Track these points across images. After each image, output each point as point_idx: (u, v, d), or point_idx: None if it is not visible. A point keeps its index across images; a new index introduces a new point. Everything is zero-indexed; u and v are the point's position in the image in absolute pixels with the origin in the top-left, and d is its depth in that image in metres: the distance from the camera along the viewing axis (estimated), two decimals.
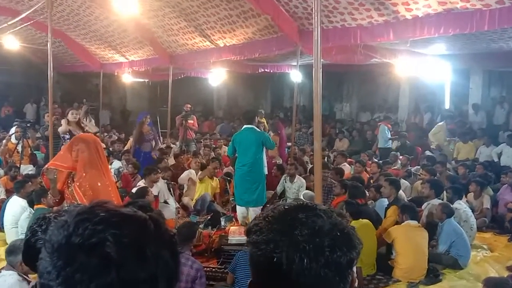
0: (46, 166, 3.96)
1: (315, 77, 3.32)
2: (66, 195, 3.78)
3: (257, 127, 6.47)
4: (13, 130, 9.09)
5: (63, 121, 7.54)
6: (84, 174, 3.58)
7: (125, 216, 0.83)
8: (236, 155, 6.45)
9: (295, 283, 0.95)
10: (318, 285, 0.95)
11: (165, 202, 7.05)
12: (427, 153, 10.61)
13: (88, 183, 3.57)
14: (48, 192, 4.05)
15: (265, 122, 12.76)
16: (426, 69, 9.98)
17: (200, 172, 7.71)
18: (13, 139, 8.98)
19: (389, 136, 11.24)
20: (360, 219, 5.15)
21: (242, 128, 6.50)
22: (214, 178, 7.77)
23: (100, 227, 0.79)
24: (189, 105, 10.76)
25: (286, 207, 1.07)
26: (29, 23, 9.77)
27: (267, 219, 1.04)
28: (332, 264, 0.96)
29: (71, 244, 0.78)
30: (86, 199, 3.56)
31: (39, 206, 5.08)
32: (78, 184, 3.59)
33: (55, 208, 4.32)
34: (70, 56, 14.08)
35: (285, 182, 7.72)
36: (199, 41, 9.81)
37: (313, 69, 3.32)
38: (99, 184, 3.55)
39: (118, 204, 0.90)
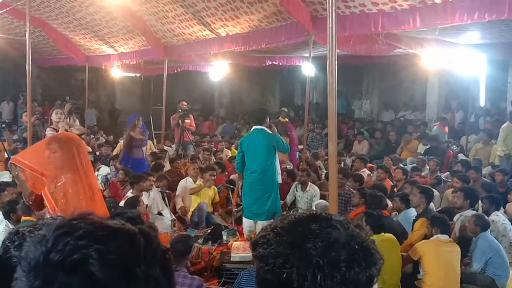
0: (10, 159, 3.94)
1: (330, 70, 3.32)
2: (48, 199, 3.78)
3: (269, 128, 6.40)
4: None
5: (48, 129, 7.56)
6: (55, 179, 3.57)
7: (111, 230, 0.82)
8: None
9: None
10: None
11: (159, 213, 7.07)
12: (460, 156, 10.56)
13: (61, 189, 3.56)
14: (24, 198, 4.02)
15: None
16: (457, 60, 9.93)
17: (193, 186, 7.70)
18: None
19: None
20: (383, 233, 5.12)
21: (251, 130, 6.47)
22: (212, 187, 7.75)
23: (83, 242, 0.78)
24: (185, 103, 10.79)
25: (297, 217, 1.07)
26: (4, 10, 9.84)
27: (275, 230, 1.04)
28: (349, 282, 0.96)
29: (50, 261, 0.77)
30: (58, 208, 3.55)
31: (26, 218, 5.08)
32: (49, 190, 3.59)
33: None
34: (52, 48, 14.16)
35: (296, 190, 7.72)
36: (197, 30, 9.83)
37: (328, 61, 3.32)
38: (70, 191, 3.53)
39: (103, 216, 0.90)
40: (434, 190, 7.56)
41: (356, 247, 1.00)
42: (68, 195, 3.54)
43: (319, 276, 0.95)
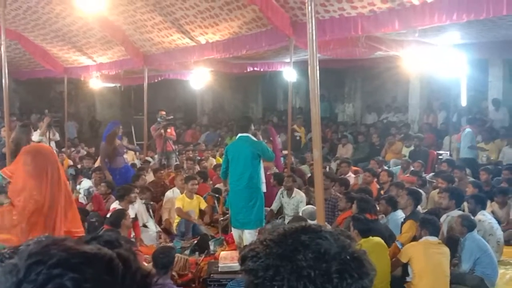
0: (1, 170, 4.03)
1: (312, 75, 3.32)
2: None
3: (254, 135, 6.39)
4: None
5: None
6: (22, 189, 3.64)
7: (87, 256, 0.78)
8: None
9: None
10: None
11: (144, 225, 7.00)
12: (445, 156, 10.66)
13: (25, 195, 3.64)
14: None
15: (302, 131, 12.89)
16: (438, 61, 10.03)
17: (180, 196, 7.63)
18: None
19: (475, 143, 10.82)
20: (371, 237, 5.12)
21: (237, 137, 6.45)
22: (195, 196, 7.65)
23: (57, 271, 0.75)
24: (163, 112, 10.71)
25: (287, 229, 1.06)
26: None
27: (264, 242, 1.02)
28: None
29: None
30: (18, 214, 3.63)
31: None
32: (14, 196, 3.66)
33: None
34: (29, 61, 14.00)
35: (282, 197, 7.70)
36: (177, 38, 9.81)
37: (309, 66, 3.32)
38: (33, 199, 3.62)
39: (78, 241, 0.86)
40: (419, 190, 7.63)
41: (348, 258, 0.99)
42: (30, 201, 3.59)
43: None
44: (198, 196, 7.66)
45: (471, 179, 8.21)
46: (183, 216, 7.23)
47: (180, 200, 7.34)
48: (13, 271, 0.76)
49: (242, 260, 1.04)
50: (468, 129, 10.66)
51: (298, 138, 13.03)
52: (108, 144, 8.50)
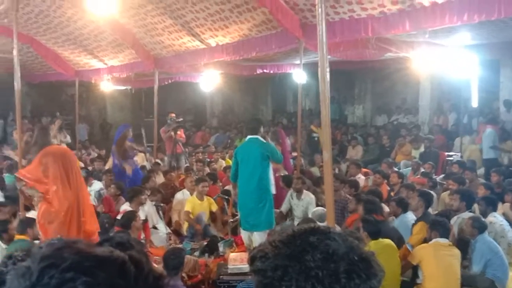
0: (17, 173, 4.01)
1: (322, 77, 3.32)
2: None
3: (263, 137, 6.40)
4: None
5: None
6: (54, 191, 3.62)
7: (99, 259, 0.79)
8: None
9: None
10: None
11: (154, 227, 7.03)
12: (455, 158, 10.59)
13: (52, 196, 3.63)
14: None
15: (320, 132, 12.73)
16: (448, 62, 9.99)
17: (190, 198, 7.64)
18: None
19: (497, 143, 10.53)
20: (380, 239, 5.11)
21: (246, 139, 6.48)
22: (205, 198, 7.66)
23: (70, 275, 0.75)
24: (173, 114, 10.76)
25: (295, 230, 1.07)
26: None
27: (273, 243, 1.04)
28: None
29: None
30: (42, 217, 3.62)
31: (20, 237, 5.04)
32: (44, 203, 3.64)
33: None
34: (41, 64, 14.12)
35: (292, 199, 7.70)
36: (187, 41, 9.84)
37: (319, 68, 3.32)
38: (58, 201, 3.59)
39: (90, 243, 0.86)
40: (431, 192, 7.58)
41: (356, 258, 0.99)
42: (54, 204, 3.59)
43: None
44: (208, 197, 7.66)
45: (482, 180, 8.15)
46: (190, 221, 7.24)
47: (190, 202, 7.34)
48: (26, 275, 0.76)
49: (251, 260, 1.05)
50: (490, 129, 10.48)
51: (316, 139, 12.85)
52: (118, 147, 8.59)
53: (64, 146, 8.43)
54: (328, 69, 3.31)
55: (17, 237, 5.08)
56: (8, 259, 1.45)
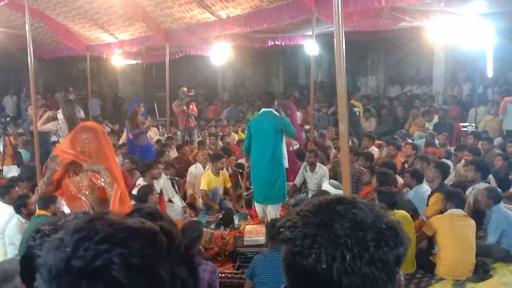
0: (55, 150, 3.81)
1: (337, 48, 3.28)
2: (68, 188, 3.73)
3: (277, 111, 6.39)
4: None
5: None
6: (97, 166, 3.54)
7: (132, 231, 0.79)
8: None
9: (337, 284, 0.95)
10: (364, 285, 0.95)
11: (170, 200, 7.11)
12: (470, 128, 10.50)
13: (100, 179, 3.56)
14: (41, 184, 3.95)
15: (360, 106, 12.66)
16: (463, 32, 9.81)
17: (203, 172, 7.67)
18: None
19: None
20: (396, 210, 5.13)
21: (260, 112, 6.47)
22: (221, 173, 7.63)
23: (104, 247, 0.76)
24: (185, 88, 10.75)
25: (322, 200, 1.08)
26: (3, 3, 9.78)
27: (301, 213, 1.05)
28: (378, 261, 0.97)
29: (72, 269, 0.75)
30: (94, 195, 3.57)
31: (41, 212, 5.12)
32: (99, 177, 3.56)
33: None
34: (52, 39, 14.12)
35: (305, 172, 7.72)
36: (197, 13, 9.76)
37: (335, 39, 3.28)
38: (109, 180, 3.53)
39: (120, 214, 0.87)
40: (448, 161, 7.54)
41: (383, 226, 1.01)
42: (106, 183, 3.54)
43: (348, 256, 0.95)
44: (223, 172, 7.68)
45: (498, 151, 8.07)
46: (207, 201, 7.29)
47: (206, 178, 7.37)
48: (61, 247, 0.77)
49: (279, 230, 1.06)
50: None
51: (357, 113, 12.69)
52: (131, 122, 8.66)
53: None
54: (343, 41, 3.28)
55: (38, 212, 5.17)
56: (36, 233, 1.47)
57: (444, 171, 6.14)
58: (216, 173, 7.45)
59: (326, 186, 6.58)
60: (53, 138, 9.12)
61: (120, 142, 10.18)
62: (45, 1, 11.27)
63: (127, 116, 9.20)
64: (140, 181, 6.71)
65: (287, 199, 7.37)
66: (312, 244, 0.97)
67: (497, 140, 9.48)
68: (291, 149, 7.91)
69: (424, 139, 9.85)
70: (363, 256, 0.95)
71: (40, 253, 1.38)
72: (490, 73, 13.05)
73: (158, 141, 9.97)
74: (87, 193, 3.67)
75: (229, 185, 7.68)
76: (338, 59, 3.27)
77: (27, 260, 1.42)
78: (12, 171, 8.60)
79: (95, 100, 16.76)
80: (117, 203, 3.49)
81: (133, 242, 0.77)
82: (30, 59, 6.50)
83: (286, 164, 6.45)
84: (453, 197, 5.20)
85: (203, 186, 7.30)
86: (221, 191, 7.44)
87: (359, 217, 1.00)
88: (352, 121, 11.67)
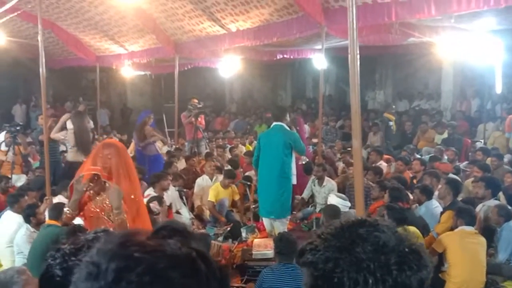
0: (80, 173, 3.78)
1: (352, 63, 3.28)
2: (88, 206, 3.69)
3: (288, 126, 6.34)
4: (1, 136, 9.15)
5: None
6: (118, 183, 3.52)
7: (171, 259, 0.78)
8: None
9: None
10: None
11: (177, 212, 7.10)
12: (478, 144, 10.45)
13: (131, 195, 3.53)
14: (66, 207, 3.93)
15: (393, 120, 12.57)
16: (473, 47, 9.82)
17: (210, 184, 7.65)
18: (2, 147, 9.08)
19: None
20: (405, 226, 5.08)
21: (271, 126, 6.45)
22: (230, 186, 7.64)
23: (147, 279, 0.75)
24: (195, 100, 10.79)
25: (343, 223, 1.07)
26: (15, 13, 9.89)
27: (322, 236, 1.04)
28: (401, 285, 0.96)
29: None
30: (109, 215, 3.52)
31: (51, 222, 5.10)
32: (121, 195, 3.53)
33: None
34: (62, 49, 14.25)
35: (313, 185, 7.69)
36: (207, 26, 9.82)
37: (349, 54, 3.28)
38: (132, 197, 3.50)
39: (149, 234, 0.86)
40: (456, 177, 7.47)
41: (406, 250, 1.00)
42: (130, 200, 3.52)
43: (370, 280, 0.94)
44: (232, 186, 7.66)
45: (508, 168, 8.01)
46: (214, 213, 7.27)
47: (214, 190, 7.36)
48: (100, 276, 0.76)
49: (301, 253, 1.05)
50: None
51: (391, 127, 12.62)
52: (138, 132, 8.69)
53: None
54: (358, 56, 3.28)
55: (48, 222, 5.16)
56: (57, 252, 1.45)
57: (455, 187, 6.09)
58: (225, 186, 7.43)
59: (333, 198, 6.54)
60: (61, 148, 9.15)
61: (129, 152, 10.19)
62: (56, 11, 11.39)
63: (135, 126, 9.23)
64: (149, 192, 6.69)
65: (294, 212, 7.36)
66: (334, 268, 0.96)
67: (507, 157, 9.42)
68: (300, 163, 7.89)
69: (433, 155, 9.80)
70: (386, 280, 0.94)
71: (59, 272, 1.37)
72: (498, 89, 13.04)
73: (168, 152, 9.97)
74: (110, 212, 3.62)
75: (237, 197, 7.65)
76: (352, 74, 3.27)
77: (47, 279, 1.40)
78: (21, 180, 8.62)
79: (104, 111, 16.83)
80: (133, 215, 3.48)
81: (174, 272, 0.77)
82: (42, 69, 6.56)
83: (294, 180, 6.39)
84: (464, 214, 5.15)
85: (211, 197, 7.29)
86: (227, 203, 7.41)
87: (382, 240, 0.99)
88: (386, 135, 11.67)
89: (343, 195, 7.22)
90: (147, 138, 8.73)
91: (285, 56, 12.70)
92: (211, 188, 7.44)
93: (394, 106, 12.44)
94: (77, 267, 0.80)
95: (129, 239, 0.81)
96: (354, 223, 1.06)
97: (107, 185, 3.59)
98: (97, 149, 3.78)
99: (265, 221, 6.47)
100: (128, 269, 0.75)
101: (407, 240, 1.03)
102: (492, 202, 5.93)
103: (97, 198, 3.68)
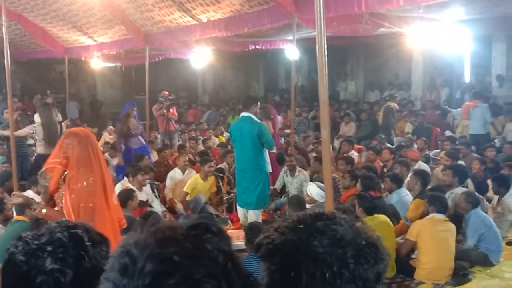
0: (43, 168, 3.72)
1: (319, 53, 3.27)
2: (56, 198, 3.65)
3: (255, 115, 6.26)
4: None
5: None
6: (74, 173, 3.47)
7: (209, 270, 0.78)
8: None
9: None
10: None
11: (149, 205, 7.02)
12: (447, 133, 10.63)
13: (79, 183, 3.47)
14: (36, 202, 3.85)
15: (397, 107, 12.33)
16: (441, 37, 9.95)
17: (182, 177, 7.58)
18: None
19: (490, 119, 10.17)
20: (376, 215, 5.15)
21: (239, 117, 6.42)
22: (209, 178, 7.57)
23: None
24: (166, 92, 10.67)
25: (301, 216, 1.05)
26: None
27: (279, 230, 1.02)
28: (358, 279, 0.95)
29: None
30: (69, 201, 3.47)
31: (19, 217, 4.99)
32: (69, 186, 3.48)
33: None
34: (29, 41, 13.89)
35: (285, 176, 7.71)
36: (178, 16, 9.70)
37: (317, 44, 3.27)
38: (84, 184, 3.44)
39: (182, 227, 0.85)
40: (424, 164, 7.59)
41: (363, 243, 0.99)
42: (81, 187, 3.45)
43: (327, 274, 0.94)
44: (212, 177, 7.57)
45: (476, 155, 8.16)
46: (184, 204, 7.25)
47: (192, 182, 7.30)
48: (135, 274, 0.76)
49: (257, 247, 1.03)
50: (483, 104, 10.18)
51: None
52: (121, 125, 8.55)
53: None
54: (325, 47, 3.28)
55: (16, 217, 5.06)
56: (18, 240, 1.42)
57: (423, 177, 6.20)
58: (205, 177, 7.38)
59: (313, 188, 6.44)
60: (30, 141, 8.96)
61: (99, 144, 10.03)
62: (22, 2, 11.10)
63: (118, 120, 9.03)
64: (121, 185, 6.61)
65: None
66: (291, 262, 0.95)
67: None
68: (273, 152, 7.87)
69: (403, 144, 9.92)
70: (343, 274, 0.94)
71: (22, 258, 1.34)
72: (467, 79, 13.30)
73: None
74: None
75: (213, 190, 7.63)
76: (320, 65, 3.27)
77: (10, 268, 1.38)
78: None
79: (73, 103, 16.51)
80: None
81: (208, 284, 0.76)
82: (7, 61, 6.38)
83: (269, 168, 6.38)
84: (436, 201, 5.24)
85: (187, 188, 7.25)
86: (203, 200, 7.34)
87: (339, 233, 0.98)
88: (391, 123, 11.73)
89: (322, 184, 7.25)
90: (130, 129, 8.56)
91: (257, 47, 12.64)
92: (190, 180, 7.38)
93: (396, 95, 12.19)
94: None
95: (167, 236, 0.80)
96: (312, 216, 1.04)
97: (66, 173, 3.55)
98: (61, 138, 3.72)
99: (239, 211, 6.45)
100: (166, 275, 0.75)
101: (364, 233, 1.02)
102: (460, 190, 6.05)
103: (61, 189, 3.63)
